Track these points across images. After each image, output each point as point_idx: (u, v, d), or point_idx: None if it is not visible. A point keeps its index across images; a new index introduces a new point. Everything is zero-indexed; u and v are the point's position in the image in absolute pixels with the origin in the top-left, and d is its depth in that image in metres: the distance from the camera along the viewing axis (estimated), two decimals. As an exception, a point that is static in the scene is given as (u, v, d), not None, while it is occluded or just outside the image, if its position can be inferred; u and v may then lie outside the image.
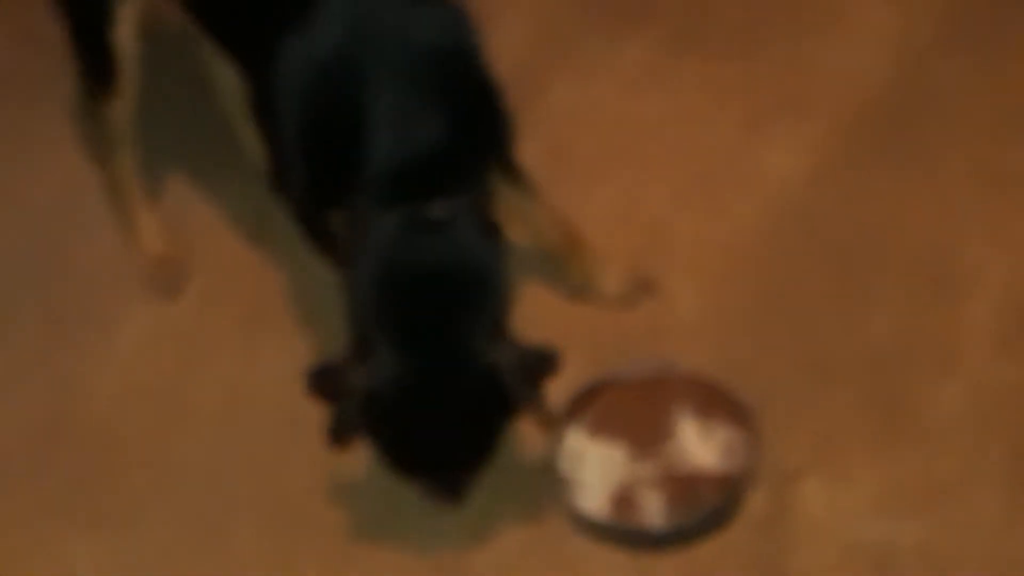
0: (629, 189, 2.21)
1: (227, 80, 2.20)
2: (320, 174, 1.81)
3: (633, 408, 1.90)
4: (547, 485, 1.84)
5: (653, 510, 1.80)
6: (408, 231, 1.72)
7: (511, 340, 1.75)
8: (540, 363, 1.73)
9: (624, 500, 1.82)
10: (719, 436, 1.86)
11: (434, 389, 1.70)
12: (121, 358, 2.09)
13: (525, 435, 1.86)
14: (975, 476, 1.82)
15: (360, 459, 1.92)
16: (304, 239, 1.92)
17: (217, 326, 2.11)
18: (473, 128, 1.78)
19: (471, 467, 1.75)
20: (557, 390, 1.92)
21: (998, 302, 2.00)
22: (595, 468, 1.85)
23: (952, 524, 1.78)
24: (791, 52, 2.39)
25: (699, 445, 1.85)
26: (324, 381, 1.72)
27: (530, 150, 2.19)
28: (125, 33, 2.03)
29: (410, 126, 1.74)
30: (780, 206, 2.16)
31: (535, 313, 2.01)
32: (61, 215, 2.30)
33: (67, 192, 2.32)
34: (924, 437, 1.87)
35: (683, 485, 1.81)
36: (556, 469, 1.85)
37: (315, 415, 1.96)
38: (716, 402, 1.88)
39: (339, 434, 1.73)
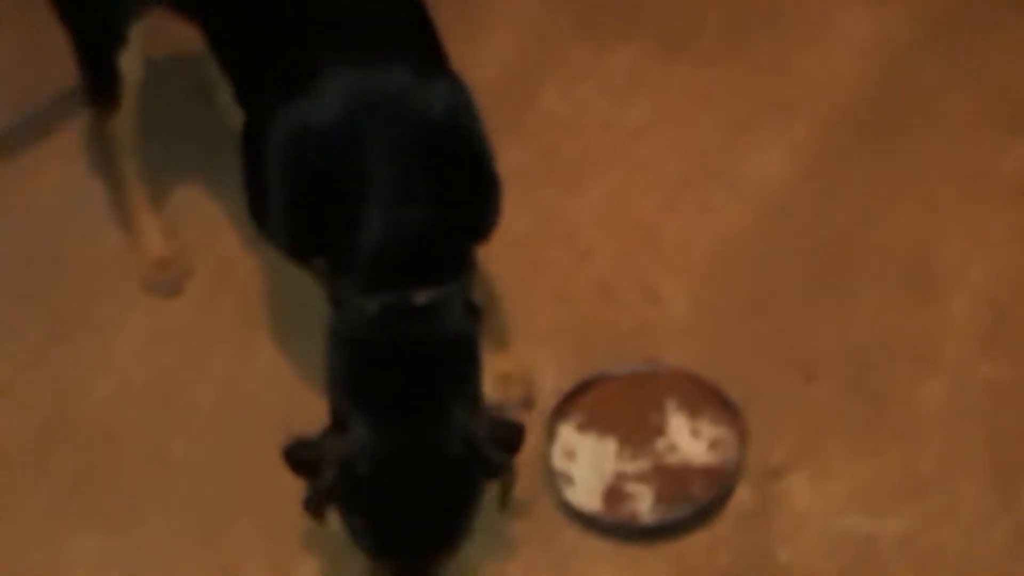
0: (617, 191, 2.24)
1: (228, 91, 2.23)
2: (302, 234, 1.79)
3: (623, 404, 1.93)
4: (540, 479, 1.87)
5: (643, 503, 1.84)
6: (390, 316, 1.69)
7: (484, 413, 1.73)
8: (511, 435, 1.73)
9: (615, 493, 1.85)
10: (707, 431, 1.89)
11: (410, 464, 1.68)
12: (120, 359, 2.11)
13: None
14: (956, 470, 1.86)
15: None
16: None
17: (214, 327, 2.13)
18: (465, 214, 1.75)
19: (445, 550, 1.72)
20: (550, 387, 1.96)
21: (978, 300, 2.04)
22: (587, 462, 1.88)
23: (933, 517, 1.82)
24: (775, 57, 2.43)
25: (688, 440, 1.88)
26: (300, 454, 1.70)
27: (520, 154, 2.23)
28: (132, 54, 2.04)
29: (401, 211, 1.69)
30: (765, 207, 2.20)
31: (527, 312, 2.05)
32: (60, 218, 2.31)
33: (67, 195, 2.34)
34: (906, 432, 1.90)
35: (672, 479, 1.85)
36: (549, 463, 1.88)
37: (311, 415, 1.99)
38: (704, 399, 1.91)
39: (314, 505, 1.70)
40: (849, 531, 1.81)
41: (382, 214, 1.69)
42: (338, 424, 1.73)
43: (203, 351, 2.11)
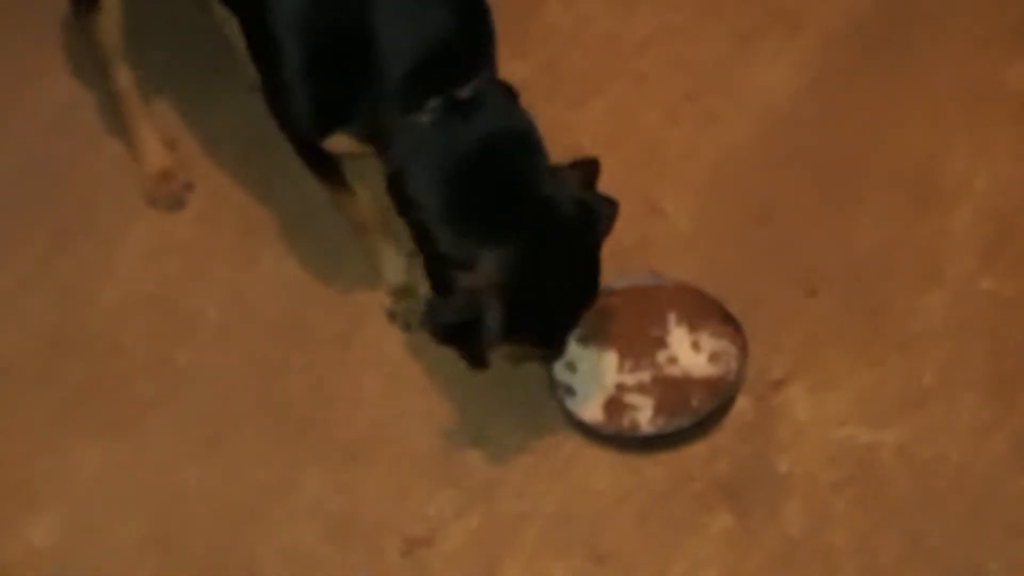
0: (621, 105, 2.23)
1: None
2: (325, 93, 1.79)
3: (626, 317, 1.94)
4: (542, 390, 1.89)
5: (643, 413, 1.85)
6: (444, 119, 1.72)
7: (559, 168, 1.77)
8: (591, 172, 1.79)
9: (616, 404, 1.87)
10: (708, 344, 1.90)
11: (548, 248, 1.72)
12: (124, 270, 2.12)
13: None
14: (956, 382, 1.87)
15: (359, 365, 1.97)
16: (302, 161, 1.93)
17: (216, 238, 2.14)
18: (472, 23, 1.78)
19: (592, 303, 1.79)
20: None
21: (981, 213, 2.04)
22: (589, 374, 1.89)
23: (933, 428, 1.84)
24: (781, -32, 2.42)
25: (688, 352, 1.89)
26: (442, 315, 1.70)
27: (524, 67, 2.21)
28: None
29: (420, 18, 1.73)
30: (769, 120, 2.19)
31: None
32: (64, 131, 2.30)
33: (69, 109, 2.33)
34: (907, 344, 1.92)
35: (673, 390, 1.86)
36: (551, 374, 1.89)
37: (314, 324, 2.02)
38: (705, 312, 1.92)
39: (482, 352, 1.73)
40: (849, 441, 1.83)
41: (401, 28, 1.72)
42: (457, 264, 1.71)
43: (206, 262, 2.11)
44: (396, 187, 1.76)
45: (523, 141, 1.75)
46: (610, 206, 1.78)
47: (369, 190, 1.94)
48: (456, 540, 1.80)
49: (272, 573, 1.81)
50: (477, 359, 1.75)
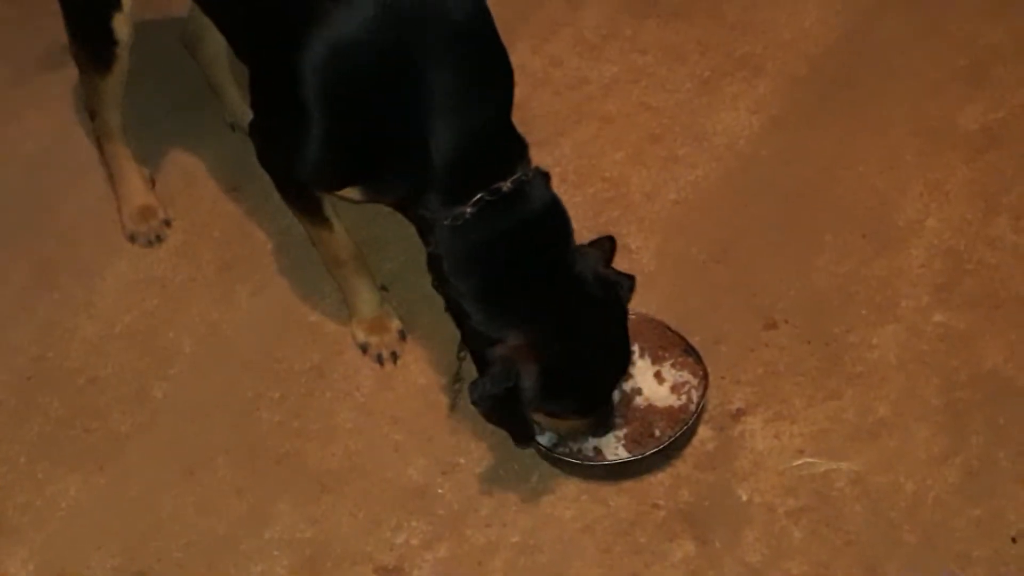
0: (588, 145, 2.29)
1: (212, 43, 2.26)
2: (350, 158, 1.79)
3: (590, 349, 1.99)
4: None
5: (608, 443, 1.89)
6: (487, 213, 1.75)
7: (584, 247, 1.84)
8: (609, 250, 1.87)
9: (582, 434, 1.91)
10: (670, 376, 1.95)
11: (578, 324, 1.78)
12: (103, 304, 2.15)
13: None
14: (910, 413, 1.92)
15: (333, 397, 2.02)
16: (285, 199, 1.97)
17: (195, 274, 2.18)
18: (506, 93, 1.81)
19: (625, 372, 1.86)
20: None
21: (934, 250, 2.09)
22: (554, 405, 1.93)
23: (888, 458, 1.88)
24: (744, 13, 2.48)
25: (652, 384, 1.94)
26: (486, 391, 1.75)
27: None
28: (125, 16, 2.06)
29: (468, 113, 1.74)
30: (731, 160, 2.25)
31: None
32: (45, 167, 2.35)
33: (52, 147, 2.38)
34: (862, 377, 1.96)
35: (636, 420, 1.91)
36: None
37: (288, 357, 2.06)
38: (668, 344, 1.97)
39: (528, 431, 1.81)
40: (806, 471, 1.87)
41: (448, 125, 1.73)
42: (490, 341, 1.76)
43: (183, 296, 2.15)
44: (437, 268, 1.80)
45: (554, 227, 1.80)
46: (629, 281, 1.85)
47: (345, 224, 1.99)
48: (425, 569, 1.82)
49: (245, 602, 1.83)
50: (522, 430, 1.81)
